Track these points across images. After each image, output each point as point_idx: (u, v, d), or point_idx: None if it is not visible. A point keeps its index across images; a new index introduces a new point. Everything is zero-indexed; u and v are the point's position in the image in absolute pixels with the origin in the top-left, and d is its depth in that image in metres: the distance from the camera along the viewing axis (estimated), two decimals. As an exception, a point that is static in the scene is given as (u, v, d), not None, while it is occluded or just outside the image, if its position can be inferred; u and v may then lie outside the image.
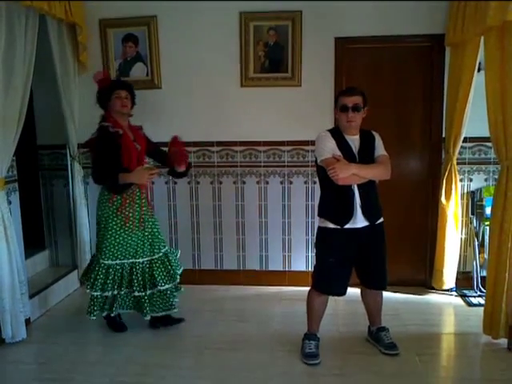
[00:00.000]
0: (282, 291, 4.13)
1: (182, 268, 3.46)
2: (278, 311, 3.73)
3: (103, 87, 3.18)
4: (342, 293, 2.98)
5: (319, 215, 2.98)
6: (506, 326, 3.03)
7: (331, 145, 2.81)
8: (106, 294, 3.19)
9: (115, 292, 3.21)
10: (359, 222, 2.83)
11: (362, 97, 2.83)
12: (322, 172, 2.85)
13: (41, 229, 4.37)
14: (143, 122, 4.12)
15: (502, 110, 2.91)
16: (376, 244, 2.94)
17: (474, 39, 3.36)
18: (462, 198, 3.98)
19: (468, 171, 4.00)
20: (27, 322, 3.38)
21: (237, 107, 4.07)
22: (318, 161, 2.86)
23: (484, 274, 3.69)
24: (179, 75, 4.07)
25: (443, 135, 3.90)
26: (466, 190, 4.01)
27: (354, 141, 2.86)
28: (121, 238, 3.18)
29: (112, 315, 3.31)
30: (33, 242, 4.11)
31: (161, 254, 3.31)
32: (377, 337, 3.11)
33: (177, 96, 4.09)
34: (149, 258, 3.27)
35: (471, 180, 4.01)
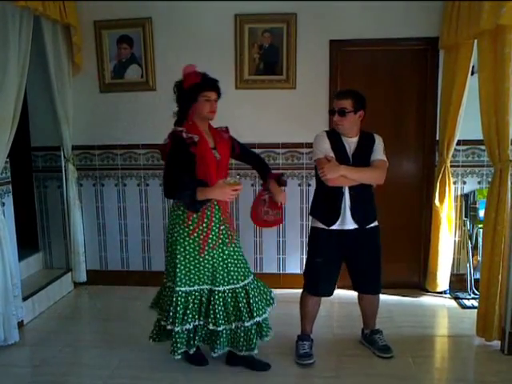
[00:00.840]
0: (277, 293, 4.10)
1: (271, 306, 2.94)
2: (272, 313, 3.71)
3: (190, 84, 2.64)
4: (328, 294, 2.99)
5: (310, 214, 3.02)
6: (499, 328, 3.04)
7: (326, 145, 2.82)
8: (188, 326, 2.71)
9: (196, 323, 2.74)
10: (348, 224, 2.83)
11: (354, 100, 2.77)
12: (316, 172, 2.87)
13: (34, 231, 4.35)
14: (137, 124, 4.14)
15: (495, 113, 2.93)
16: (367, 248, 2.92)
17: (468, 42, 3.39)
18: (456, 201, 3.99)
19: (461, 174, 4.02)
20: (20, 324, 3.37)
21: (231, 109, 4.03)
22: (313, 160, 2.88)
23: (477, 276, 3.70)
24: (173, 77, 4.03)
25: (437, 138, 3.92)
26: (459, 193, 4.03)
27: (350, 143, 2.85)
28: (196, 261, 2.69)
29: (191, 352, 2.82)
30: (26, 243, 4.09)
31: (242, 284, 2.77)
32: (371, 339, 3.11)
33: (171, 98, 4.04)
34: (232, 287, 2.74)
35: (465, 183, 4.03)
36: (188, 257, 2.69)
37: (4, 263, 3.10)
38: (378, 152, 2.86)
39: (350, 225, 2.83)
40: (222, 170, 2.74)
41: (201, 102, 2.65)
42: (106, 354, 3.11)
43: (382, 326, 3.17)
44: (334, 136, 2.86)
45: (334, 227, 2.84)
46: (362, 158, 2.83)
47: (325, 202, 2.89)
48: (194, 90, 2.63)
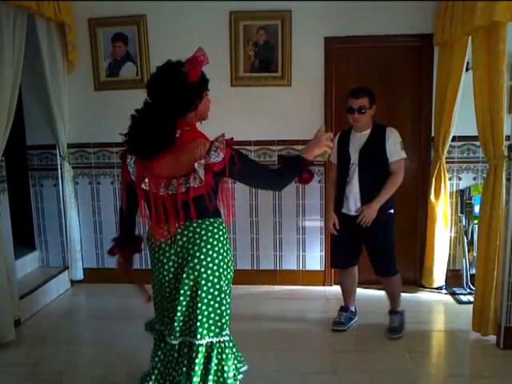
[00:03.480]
0: (273, 290, 4.14)
1: None
2: (268, 310, 3.74)
3: (200, 77, 1.96)
4: (337, 265, 3.38)
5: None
6: (495, 322, 3.06)
7: (334, 150, 3.02)
8: None
9: None
10: (352, 210, 3.10)
11: (369, 97, 3.01)
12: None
13: (31, 229, 4.34)
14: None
15: (489, 110, 2.93)
16: (373, 232, 3.07)
17: (462, 39, 3.39)
18: (451, 197, 4.01)
19: (457, 170, 4.03)
20: (17, 322, 3.37)
21: (227, 107, 4.05)
22: None
23: (473, 271, 3.72)
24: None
25: (432, 134, 3.93)
26: (454, 189, 4.04)
27: (361, 137, 3.07)
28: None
29: None
30: (23, 242, 4.09)
31: None
32: (388, 318, 3.26)
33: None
34: None
35: (460, 179, 4.04)
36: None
37: (0, 262, 3.10)
38: (393, 152, 3.03)
39: (354, 212, 3.10)
40: None
41: (206, 99, 2.05)
42: (103, 352, 3.12)
43: (379, 322, 3.21)
44: (346, 135, 3.14)
45: (342, 211, 3.17)
46: (370, 152, 3.04)
47: (336, 190, 3.23)
48: (203, 84, 1.99)
